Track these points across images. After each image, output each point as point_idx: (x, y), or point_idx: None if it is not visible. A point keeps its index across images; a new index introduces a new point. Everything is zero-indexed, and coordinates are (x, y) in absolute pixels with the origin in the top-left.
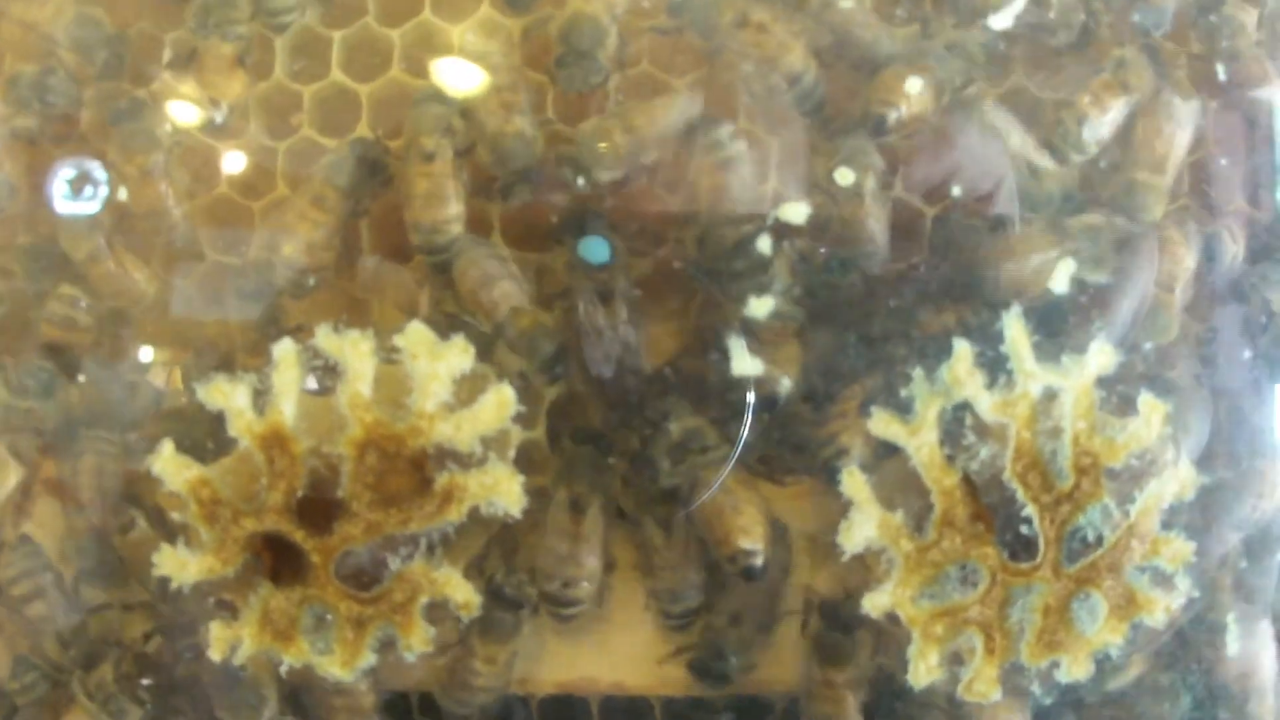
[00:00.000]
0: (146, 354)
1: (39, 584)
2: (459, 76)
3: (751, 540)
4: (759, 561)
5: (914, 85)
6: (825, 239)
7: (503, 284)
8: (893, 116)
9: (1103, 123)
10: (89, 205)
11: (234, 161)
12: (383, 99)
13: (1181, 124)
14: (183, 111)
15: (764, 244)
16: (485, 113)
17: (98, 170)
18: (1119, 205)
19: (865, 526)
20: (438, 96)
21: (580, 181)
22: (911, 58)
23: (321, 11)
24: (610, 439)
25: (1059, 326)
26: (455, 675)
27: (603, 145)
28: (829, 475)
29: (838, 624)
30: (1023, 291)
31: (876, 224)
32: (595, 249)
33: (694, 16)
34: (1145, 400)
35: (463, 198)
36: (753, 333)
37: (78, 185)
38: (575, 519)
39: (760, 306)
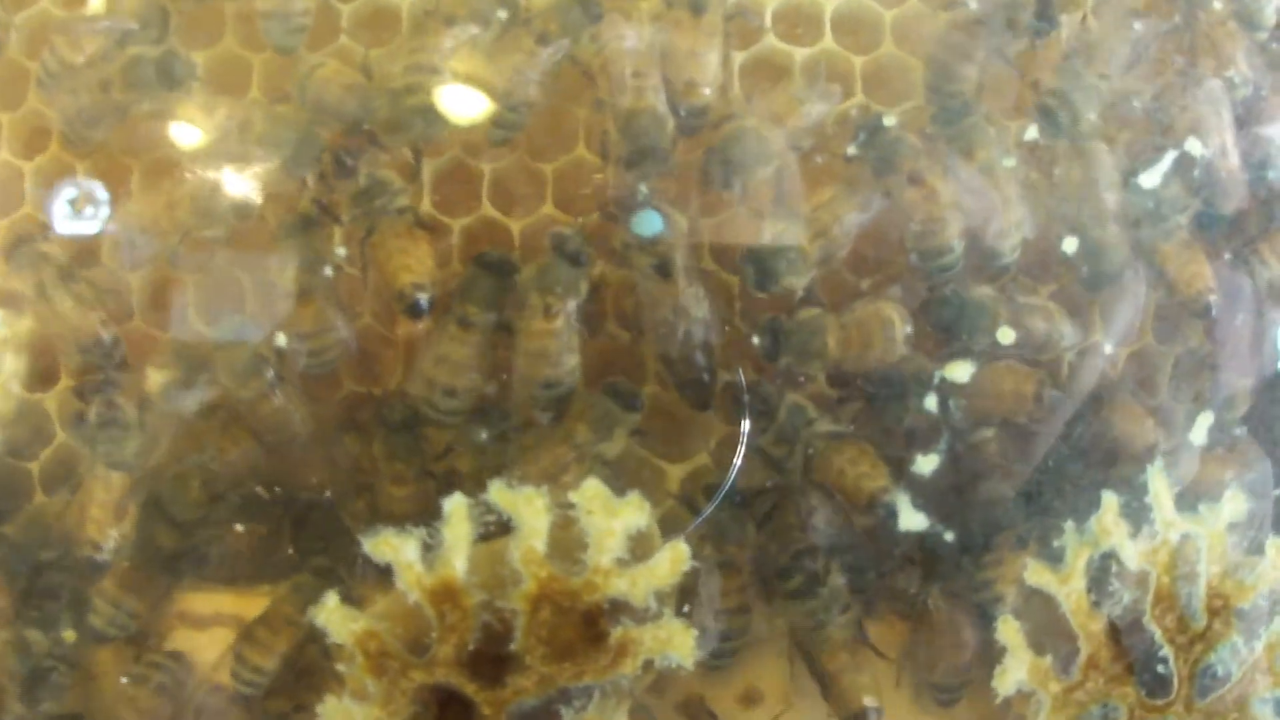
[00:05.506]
0: None
1: None
2: None
3: (873, 698)
4: None
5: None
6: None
7: None
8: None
9: None
10: (90, 225)
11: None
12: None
13: None
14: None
15: (930, 402)
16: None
17: (99, 190)
18: None
19: (1018, 671)
20: (574, 255)
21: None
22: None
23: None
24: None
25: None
26: None
27: (796, 253)
28: (984, 619)
29: None
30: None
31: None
32: (648, 221)
33: (878, 155)
34: (1273, 543)
35: (578, 350)
36: (917, 488)
37: (79, 205)
38: (732, 575)
39: (926, 464)
